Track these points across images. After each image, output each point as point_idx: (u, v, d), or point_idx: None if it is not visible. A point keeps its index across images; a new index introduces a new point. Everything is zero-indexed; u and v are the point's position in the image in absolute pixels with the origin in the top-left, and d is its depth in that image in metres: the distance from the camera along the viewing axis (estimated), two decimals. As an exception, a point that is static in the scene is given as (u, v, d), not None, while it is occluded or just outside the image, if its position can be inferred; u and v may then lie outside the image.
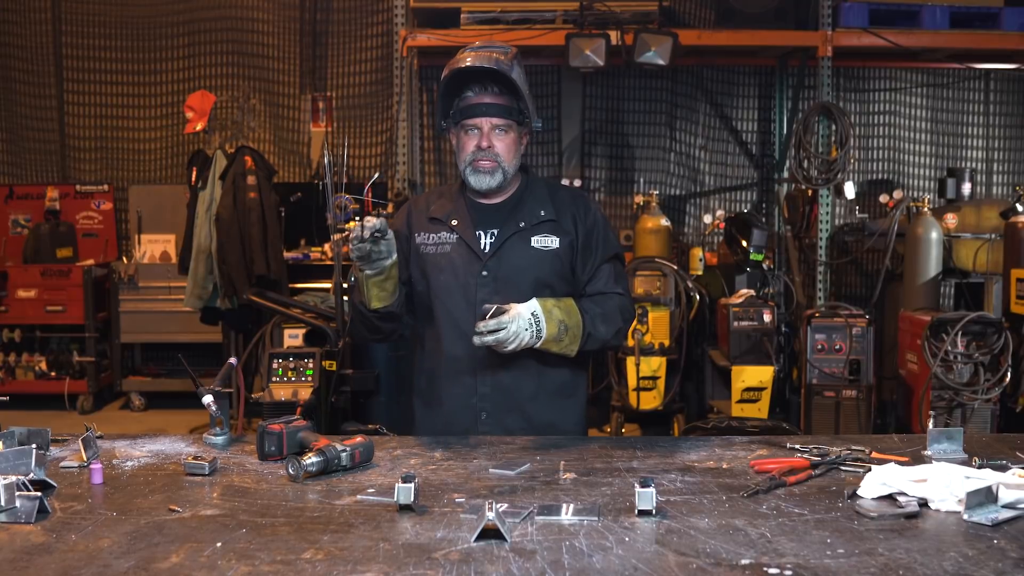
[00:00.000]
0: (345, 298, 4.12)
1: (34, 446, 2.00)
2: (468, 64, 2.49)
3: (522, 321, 2.36)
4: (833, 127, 6.40)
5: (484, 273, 2.55)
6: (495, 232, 2.59)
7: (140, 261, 7.23)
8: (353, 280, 2.62)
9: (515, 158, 2.60)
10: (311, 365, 4.14)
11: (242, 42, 7.77)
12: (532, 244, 2.58)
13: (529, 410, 2.58)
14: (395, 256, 2.44)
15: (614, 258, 2.66)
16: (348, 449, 2.11)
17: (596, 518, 1.77)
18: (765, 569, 1.52)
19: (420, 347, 2.69)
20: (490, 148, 2.54)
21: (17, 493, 1.80)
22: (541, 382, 2.59)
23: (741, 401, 5.40)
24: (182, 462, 2.14)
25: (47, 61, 7.90)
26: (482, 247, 2.58)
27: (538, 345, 2.40)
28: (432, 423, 2.63)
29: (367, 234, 2.34)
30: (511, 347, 2.35)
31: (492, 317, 2.33)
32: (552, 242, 2.59)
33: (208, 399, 2.34)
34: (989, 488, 1.78)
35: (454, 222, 2.61)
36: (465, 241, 2.58)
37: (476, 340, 2.34)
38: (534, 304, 2.40)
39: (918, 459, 2.14)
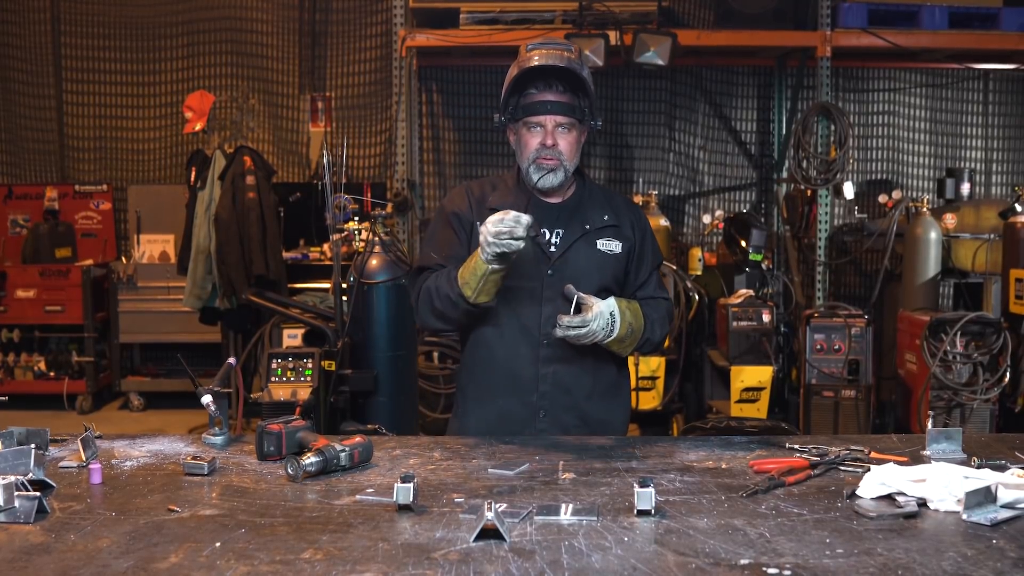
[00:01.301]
0: (344, 299, 4.12)
1: (33, 446, 2.00)
2: (539, 63, 2.47)
3: (602, 320, 2.37)
4: (832, 127, 6.40)
5: (550, 273, 2.55)
6: (560, 232, 2.59)
7: (139, 261, 7.23)
8: (424, 277, 2.57)
9: (576, 156, 2.59)
10: (310, 365, 4.14)
11: (241, 42, 7.78)
12: (597, 247, 2.59)
13: (585, 408, 2.59)
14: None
15: (658, 267, 2.73)
16: (347, 449, 2.11)
17: (595, 518, 1.77)
18: (764, 569, 1.52)
19: (476, 341, 2.64)
20: (554, 146, 2.53)
21: (16, 493, 1.80)
22: (596, 380, 2.60)
23: (740, 401, 5.41)
24: (181, 462, 2.14)
25: (46, 61, 7.90)
26: (548, 245, 2.57)
27: (604, 343, 2.42)
28: (485, 419, 2.60)
29: (522, 232, 2.31)
30: (583, 342, 2.38)
31: (576, 312, 2.37)
32: (615, 247, 2.61)
33: (207, 399, 2.34)
34: (988, 488, 1.78)
35: None
36: (531, 237, 2.56)
37: (558, 332, 2.35)
38: (612, 304, 2.41)
39: (917, 459, 2.14)
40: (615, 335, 2.41)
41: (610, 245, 2.61)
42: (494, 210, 2.53)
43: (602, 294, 2.50)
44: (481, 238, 2.36)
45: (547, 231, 2.59)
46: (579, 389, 2.58)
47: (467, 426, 2.64)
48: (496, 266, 2.37)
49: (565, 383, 2.56)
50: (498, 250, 2.32)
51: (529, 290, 2.53)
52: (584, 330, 2.35)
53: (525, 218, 2.32)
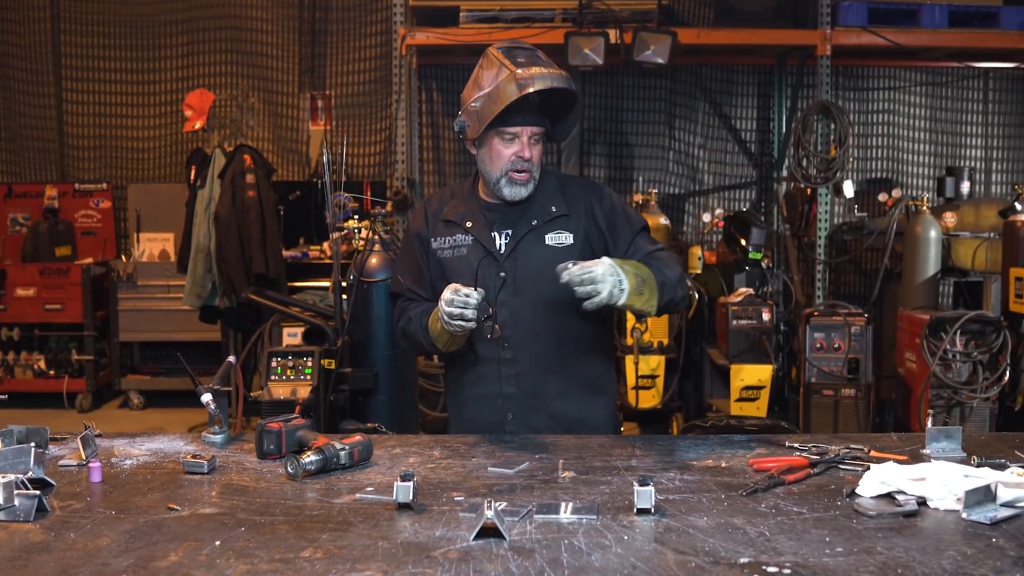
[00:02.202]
0: (344, 297, 4.12)
1: (33, 444, 2.00)
2: (541, 86, 2.38)
3: (605, 267, 2.27)
4: (832, 126, 6.40)
5: (502, 274, 2.53)
6: (509, 232, 2.57)
7: (139, 259, 7.23)
8: (401, 311, 2.63)
9: (541, 164, 2.58)
10: (310, 364, 4.14)
11: (241, 40, 7.77)
12: (546, 242, 2.55)
13: (556, 408, 2.57)
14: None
15: (643, 230, 2.61)
16: (347, 448, 2.11)
17: (595, 517, 1.77)
18: (764, 567, 1.52)
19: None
20: (530, 159, 2.50)
21: (16, 491, 1.80)
22: (568, 379, 2.58)
23: (740, 400, 5.41)
24: (181, 460, 2.14)
25: (46, 59, 7.90)
26: (497, 248, 2.55)
27: (622, 301, 2.28)
28: (461, 424, 2.63)
29: (471, 314, 2.32)
30: (602, 295, 2.24)
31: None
32: (566, 238, 2.56)
33: (207, 398, 2.34)
34: (988, 487, 1.78)
35: (468, 224, 2.58)
36: (481, 243, 2.56)
37: (564, 276, 2.25)
38: (606, 259, 2.31)
39: (917, 458, 2.14)
40: (627, 286, 2.27)
41: (560, 238, 2.55)
42: (448, 222, 2.60)
43: (561, 291, 2.41)
44: (439, 309, 2.38)
45: (496, 234, 2.57)
46: (547, 389, 2.56)
47: (452, 428, 2.70)
48: (459, 332, 2.40)
49: (529, 384, 2.55)
50: (452, 329, 2.37)
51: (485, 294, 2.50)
52: (591, 272, 2.24)
53: (474, 297, 2.32)
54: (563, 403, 2.57)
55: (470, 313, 2.32)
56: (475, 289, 2.34)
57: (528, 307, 2.52)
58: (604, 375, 2.68)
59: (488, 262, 2.54)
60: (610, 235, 2.58)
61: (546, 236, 2.56)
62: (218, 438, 2.35)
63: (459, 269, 2.55)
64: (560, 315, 2.51)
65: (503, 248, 2.56)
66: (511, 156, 2.50)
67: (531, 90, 2.39)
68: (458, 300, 2.32)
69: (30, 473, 1.91)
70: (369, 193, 6.86)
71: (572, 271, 2.26)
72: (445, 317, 2.35)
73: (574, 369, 2.58)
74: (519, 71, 2.41)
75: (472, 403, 2.62)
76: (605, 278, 2.25)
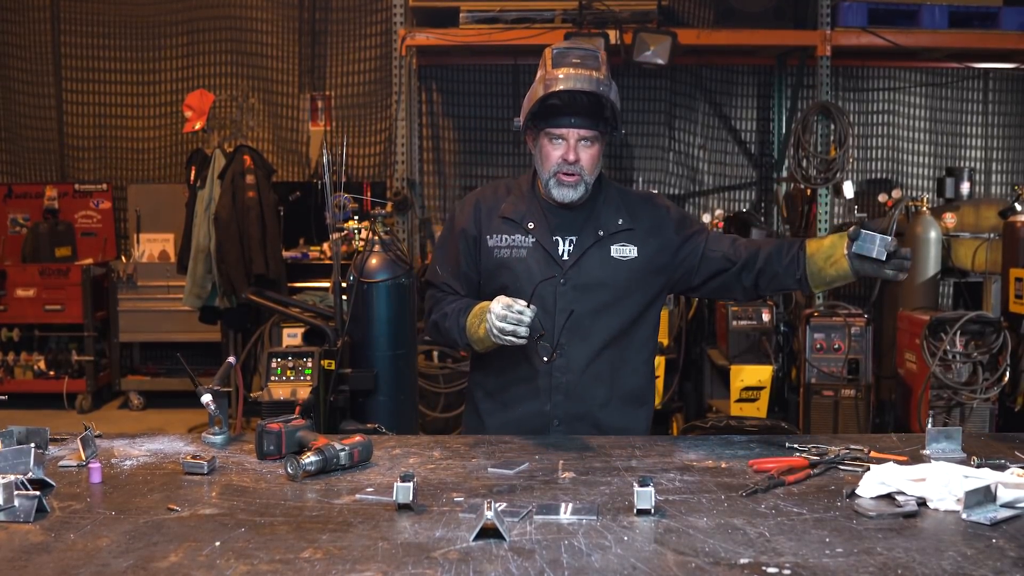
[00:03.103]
0: (344, 298, 4.12)
1: (33, 445, 2.00)
2: (563, 86, 2.38)
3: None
4: (832, 126, 6.40)
5: (563, 282, 2.51)
6: (573, 239, 2.53)
7: (139, 260, 7.23)
8: (435, 301, 2.61)
9: (597, 169, 2.53)
10: (310, 364, 4.13)
11: (241, 41, 7.78)
12: (611, 254, 2.53)
13: (600, 417, 2.55)
14: None
15: (703, 228, 2.63)
16: (347, 448, 2.11)
17: (595, 517, 1.77)
18: (764, 568, 1.52)
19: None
20: (576, 162, 2.47)
21: (16, 492, 1.80)
22: (614, 390, 2.56)
23: (740, 400, 5.41)
24: (181, 461, 2.14)
25: (46, 60, 7.90)
26: (560, 254, 2.52)
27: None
28: (504, 425, 2.59)
29: (524, 331, 2.29)
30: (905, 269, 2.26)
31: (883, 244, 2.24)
32: (630, 251, 2.54)
33: (207, 398, 2.34)
34: (988, 487, 1.78)
35: (530, 225, 2.54)
36: (543, 246, 2.52)
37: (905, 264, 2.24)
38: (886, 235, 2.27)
39: (917, 458, 2.14)
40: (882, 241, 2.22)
41: (624, 251, 2.53)
42: (506, 219, 2.55)
43: (621, 301, 2.50)
44: (488, 320, 2.35)
45: (560, 239, 2.54)
46: (593, 399, 2.54)
47: (489, 426, 2.63)
48: (500, 343, 2.37)
49: (578, 392, 2.53)
50: (501, 343, 2.34)
51: (541, 300, 2.45)
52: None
53: (527, 315, 2.29)
54: (607, 413, 2.56)
55: (523, 331, 2.29)
56: (528, 306, 2.30)
57: (585, 315, 2.50)
58: (648, 386, 2.66)
59: (549, 267, 2.50)
60: (689, 241, 2.56)
61: (611, 247, 2.53)
62: (218, 439, 2.35)
63: (516, 269, 2.52)
64: (615, 327, 2.50)
65: (566, 255, 2.52)
66: (558, 158, 2.47)
67: (556, 89, 2.38)
68: (512, 317, 2.30)
69: (30, 474, 1.91)
70: (369, 194, 6.86)
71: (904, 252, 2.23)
72: (495, 331, 2.32)
73: (621, 380, 2.57)
74: (551, 71, 2.42)
75: (517, 404, 2.57)
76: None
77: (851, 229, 2.27)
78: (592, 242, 2.53)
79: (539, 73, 2.48)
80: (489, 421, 2.65)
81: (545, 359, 2.41)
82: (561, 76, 2.40)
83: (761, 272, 2.49)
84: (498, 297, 2.36)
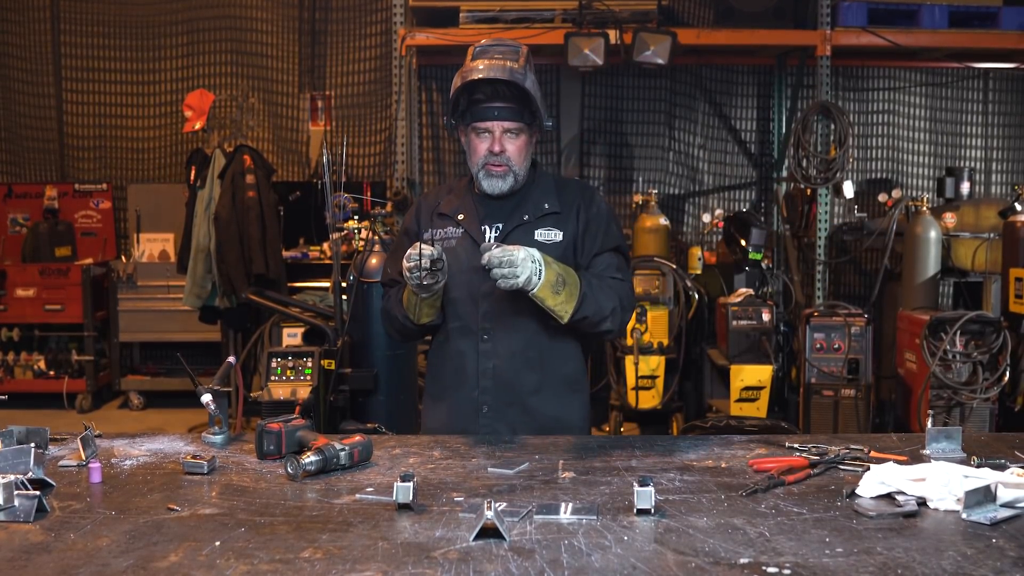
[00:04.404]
0: (344, 298, 4.12)
1: (33, 445, 2.00)
2: (481, 75, 2.47)
3: (526, 253, 2.34)
4: (832, 126, 6.40)
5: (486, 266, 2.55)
6: (500, 226, 2.59)
7: (139, 260, 7.23)
8: (386, 295, 2.69)
9: (526, 160, 2.60)
10: (310, 364, 4.14)
11: (241, 41, 7.77)
12: (536, 237, 2.56)
13: (532, 404, 2.57)
14: (445, 278, 2.46)
15: (615, 250, 2.63)
16: (347, 448, 2.11)
17: (595, 517, 1.77)
18: (764, 568, 1.52)
19: (433, 339, 2.71)
20: (502, 152, 2.54)
21: (16, 492, 1.80)
22: (545, 375, 2.59)
23: (740, 400, 5.41)
24: (181, 461, 2.14)
25: (46, 59, 7.90)
26: (486, 240, 2.57)
27: (535, 290, 2.36)
28: (436, 418, 2.65)
29: (426, 263, 2.36)
30: (519, 279, 2.31)
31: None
32: (556, 235, 2.57)
33: (207, 398, 2.34)
34: (988, 487, 1.78)
35: (460, 216, 2.62)
36: (470, 235, 2.59)
37: (484, 257, 2.33)
38: (534, 250, 2.39)
39: (917, 458, 2.14)
40: (543, 277, 2.35)
41: (549, 234, 2.57)
42: (442, 215, 2.65)
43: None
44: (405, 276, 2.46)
45: (488, 227, 2.59)
46: (523, 385, 2.57)
47: (425, 423, 2.71)
48: (423, 294, 2.47)
49: (506, 378, 2.56)
50: (413, 282, 2.42)
51: (467, 286, 2.55)
52: (512, 256, 2.31)
53: (427, 251, 2.36)
54: (538, 399, 2.58)
55: (425, 262, 2.36)
56: (431, 244, 2.39)
57: (510, 300, 2.52)
58: (580, 375, 2.68)
59: (475, 253, 2.53)
60: (582, 240, 2.60)
61: (536, 232, 2.57)
62: (218, 438, 2.35)
63: (447, 260, 2.55)
64: (541, 311, 2.49)
65: (491, 240, 2.57)
66: (485, 151, 2.55)
67: (472, 79, 2.47)
68: (413, 253, 2.39)
69: (30, 473, 1.91)
70: (369, 193, 6.86)
71: (494, 252, 2.33)
72: (406, 274, 2.42)
73: (551, 366, 2.59)
74: (470, 64, 2.51)
75: (448, 394, 2.63)
76: (525, 264, 2.33)
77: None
78: (516, 225, 2.58)
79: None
80: (426, 418, 2.72)
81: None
82: (480, 67, 2.49)
83: None
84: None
